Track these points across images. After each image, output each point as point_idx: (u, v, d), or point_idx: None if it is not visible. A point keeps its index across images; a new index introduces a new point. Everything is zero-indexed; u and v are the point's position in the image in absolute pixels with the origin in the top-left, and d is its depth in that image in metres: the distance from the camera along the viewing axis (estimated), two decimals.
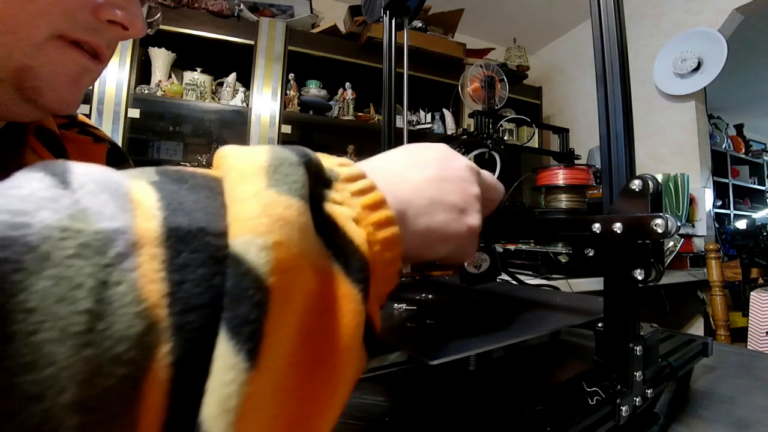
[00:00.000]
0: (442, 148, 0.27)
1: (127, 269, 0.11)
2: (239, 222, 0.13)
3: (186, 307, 0.12)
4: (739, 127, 3.29)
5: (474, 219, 0.25)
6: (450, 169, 0.25)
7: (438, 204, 0.23)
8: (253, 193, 0.14)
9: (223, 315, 0.12)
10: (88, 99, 1.54)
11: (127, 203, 0.13)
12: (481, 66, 1.49)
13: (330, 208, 0.17)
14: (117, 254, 0.11)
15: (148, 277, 0.12)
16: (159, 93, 1.72)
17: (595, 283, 1.20)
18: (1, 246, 0.10)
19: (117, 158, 0.42)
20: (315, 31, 1.97)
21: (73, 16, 0.26)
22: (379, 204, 0.18)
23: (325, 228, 0.16)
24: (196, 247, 0.13)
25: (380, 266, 0.18)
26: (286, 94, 1.85)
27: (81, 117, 0.42)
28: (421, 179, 0.23)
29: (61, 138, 0.36)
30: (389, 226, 0.18)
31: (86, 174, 0.13)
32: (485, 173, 0.28)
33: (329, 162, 0.19)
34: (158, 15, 0.37)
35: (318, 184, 0.17)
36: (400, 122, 0.65)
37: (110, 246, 0.11)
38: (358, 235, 0.17)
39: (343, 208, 0.17)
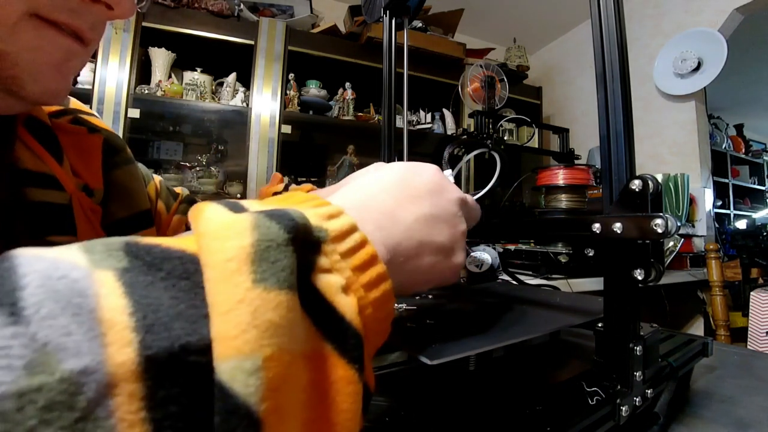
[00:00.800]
0: (434, 174, 0.26)
1: (102, 417, 0.10)
2: (224, 341, 0.12)
3: None
4: (739, 127, 3.29)
5: (459, 257, 0.25)
6: (441, 205, 0.24)
7: (427, 246, 0.23)
8: (238, 299, 0.12)
9: None
10: (88, 99, 1.54)
11: (94, 325, 0.11)
12: (481, 66, 1.49)
13: (318, 280, 0.15)
14: (88, 402, 0.10)
15: (127, 421, 0.10)
16: (159, 93, 1.72)
17: (595, 283, 1.20)
18: None
19: (113, 148, 0.41)
20: (315, 31, 1.97)
21: None
22: (371, 261, 0.17)
23: (314, 304, 0.15)
24: (179, 375, 0.11)
25: (372, 327, 0.17)
26: (286, 94, 1.85)
27: (74, 103, 0.40)
28: (413, 219, 0.22)
29: (54, 128, 0.34)
30: (381, 284, 0.17)
31: (41, 286, 0.11)
32: (468, 198, 0.28)
33: (317, 216, 0.17)
34: None
35: (305, 251, 0.16)
36: (400, 122, 0.65)
37: (79, 394, 0.10)
38: (349, 308, 0.16)
39: (332, 276, 0.16)
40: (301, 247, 0.15)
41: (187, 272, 0.13)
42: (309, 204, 0.18)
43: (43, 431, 0.09)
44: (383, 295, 0.17)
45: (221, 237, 0.14)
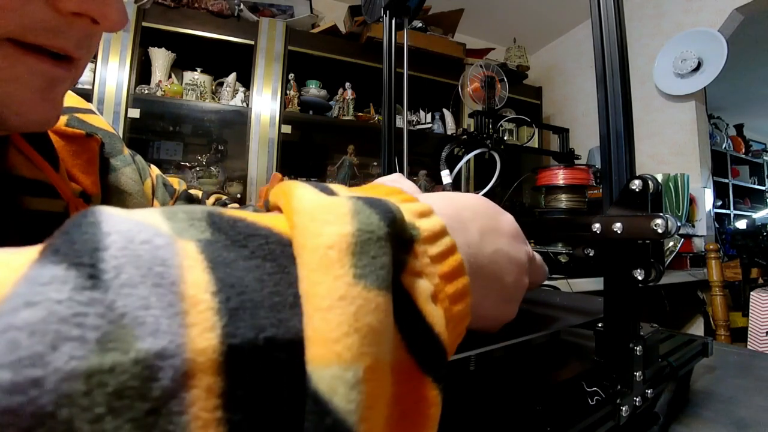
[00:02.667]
0: (514, 221, 0.25)
1: (176, 412, 0.09)
2: (323, 343, 0.10)
3: None
4: (739, 127, 3.29)
5: (513, 311, 0.24)
6: (518, 249, 0.23)
7: (496, 283, 0.22)
8: (339, 295, 0.11)
9: None
10: (88, 99, 1.54)
11: (176, 300, 0.10)
12: (481, 66, 1.49)
13: (409, 281, 0.14)
14: (162, 392, 0.09)
15: (202, 420, 0.09)
16: (159, 93, 1.72)
17: (595, 283, 1.20)
18: (3, 424, 0.07)
19: (111, 151, 0.40)
20: (315, 31, 1.97)
21: (22, 11, 0.20)
22: (459, 271, 0.16)
23: (402, 308, 0.13)
24: (264, 372, 0.10)
25: (451, 343, 0.15)
26: (286, 94, 1.86)
27: (70, 98, 0.38)
28: (493, 250, 0.21)
29: (49, 133, 0.33)
30: (465, 297, 0.16)
31: (123, 248, 0.10)
32: (537, 257, 0.27)
33: (409, 211, 0.15)
34: None
35: (398, 249, 0.14)
36: (400, 122, 0.65)
37: (154, 381, 0.09)
38: (438, 319, 0.14)
39: (422, 281, 0.14)
40: (395, 244, 0.14)
41: (273, 253, 0.12)
42: (398, 197, 0.17)
43: (110, 424, 0.08)
44: (464, 310, 0.16)
45: (320, 219, 0.12)
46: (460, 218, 0.21)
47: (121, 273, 0.09)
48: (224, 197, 0.57)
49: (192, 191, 0.53)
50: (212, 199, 0.56)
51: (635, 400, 0.28)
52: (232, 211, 0.13)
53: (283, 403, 0.10)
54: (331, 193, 0.14)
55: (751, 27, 2.12)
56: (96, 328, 0.09)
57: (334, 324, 0.11)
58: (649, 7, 2.28)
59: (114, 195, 0.38)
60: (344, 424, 0.10)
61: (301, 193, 0.14)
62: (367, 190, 0.18)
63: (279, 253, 0.12)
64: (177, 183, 0.52)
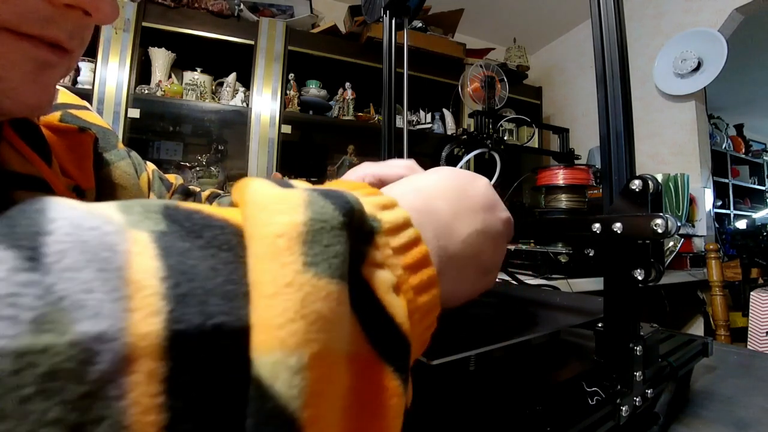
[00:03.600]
0: (488, 188, 0.25)
1: (113, 397, 0.08)
2: (266, 330, 0.10)
3: None
4: (739, 127, 3.29)
5: (493, 280, 0.24)
6: (492, 223, 0.23)
7: (473, 263, 0.22)
8: (285, 282, 0.11)
9: None
10: (88, 99, 1.54)
11: (120, 285, 0.09)
12: (481, 66, 1.49)
13: (369, 272, 0.14)
14: (99, 375, 0.08)
15: (141, 405, 0.09)
16: (159, 93, 1.72)
17: (595, 283, 1.20)
18: None
19: (105, 145, 0.39)
20: (315, 31, 1.97)
21: (17, 2, 0.21)
22: (423, 262, 0.16)
23: (361, 299, 0.13)
24: (210, 359, 0.10)
25: (417, 335, 0.15)
26: (286, 94, 1.86)
27: (64, 95, 0.38)
28: (466, 234, 0.21)
29: (42, 128, 0.32)
30: (431, 288, 0.16)
31: (69, 234, 0.10)
32: (511, 218, 0.27)
33: (370, 204, 0.15)
34: None
35: (357, 240, 0.14)
36: (400, 122, 0.65)
37: (91, 364, 0.08)
38: (399, 310, 0.14)
39: (383, 272, 0.14)
40: (354, 235, 0.13)
41: (228, 243, 0.12)
42: (361, 191, 0.17)
43: (40, 405, 0.08)
44: (431, 301, 0.16)
45: (271, 210, 0.12)
46: (430, 209, 0.21)
47: (65, 257, 0.09)
48: (221, 192, 0.57)
49: (190, 187, 0.53)
50: (207, 192, 0.55)
51: (635, 400, 0.28)
52: (189, 204, 0.13)
53: (227, 390, 0.10)
54: (288, 186, 0.14)
55: (751, 27, 2.12)
56: (31, 308, 0.08)
57: (279, 310, 0.10)
58: (649, 7, 2.28)
59: (108, 189, 0.38)
60: (285, 409, 0.10)
61: (255, 186, 0.14)
62: (331, 184, 0.18)
63: (235, 244, 0.12)
64: (174, 178, 0.52)
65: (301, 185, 0.15)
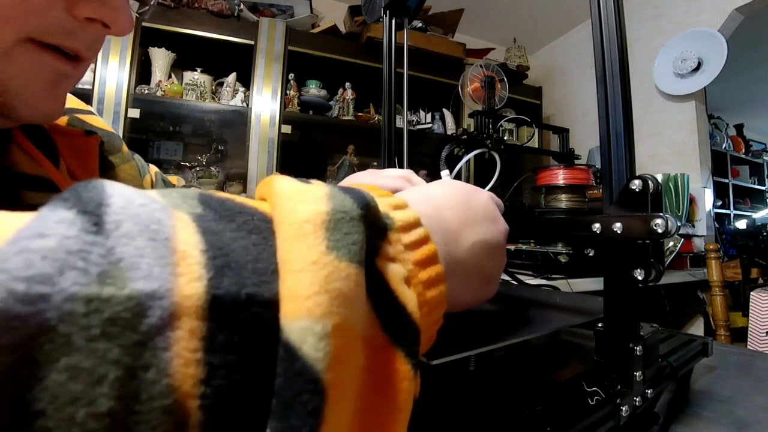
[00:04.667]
0: (490, 200, 0.26)
1: (160, 348, 0.10)
2: (295, 300, 0.11)
3: (223, 402, 0.10)
4: (739, 127, 3.29)
5: (494, 290, 0.25)
6: (494, 234, 0.24)
7: (475, 272, 0.22)
8: (311, 260, 0.12)
9: (269, 423, 0.10)
10: (88, 99, 1.54)
11: (168, 253, 0.11)
12: (481, 66, 1.49)
13: (382, 264, 0.15)
14: (150, 327, 0.10)
15: (183, 359, 0.10)
16: (159, 93, 1.72)
17: (595, 283, 1.20)
18: (11, 328, 0.08)
19: (110, 149, 0.40)
20: (315, 31, 1.97)
21: (43, 15, 0.22)
22: (432, 259, 0.17)
23: (375, 288, 0.14)
24: (243, 323, 0.11)
25: (426, 328, 0.16)
26: (286, 94, 1.85)
27: (71, 100, 0.39)
28: (470, 243, 0.22)
29: (50, 131, 0.33)
30: (439, 284, 0.17)
31: (124, 207, 0.11)
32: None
33: (384, 204, 0.17)
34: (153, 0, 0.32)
35: (372, 234, 0.15)
36: (400, 122, 0.65)
37: (143, 316, 0.10)
38: (410, 300, 0.15)
39: (395, 265, 0.15)
40: (369, 228, 0.15)
41: (258, 228, 0.13)
42: (376, 192, 0.18)
43: (103, 345, 0.09)
44: (439, 296, 0.17)
45: (297, 200, 0.14)
46: (439, 216, 0.21)
47: (121, 226, 0.11)
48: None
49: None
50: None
51: (635, 400, 0.28)
52: (221, 193, 0.14)
53: (258, 351, 0.11)
54: (308, 183, 0.16)
55: (751, 27, 2.11)
56: (97, 264, 0.10)
57: (306, 283, 0.12)
58: (649, 7, 2.28)
59: None
60: (312, 369, 0.11)
61: (281, 182, 0.15)
62: (345, 185, 0.19)
63: (263, 228, 0.13)
64: (176, 180, 0.53)
65: (319, 183, 0.16)
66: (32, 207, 0.11)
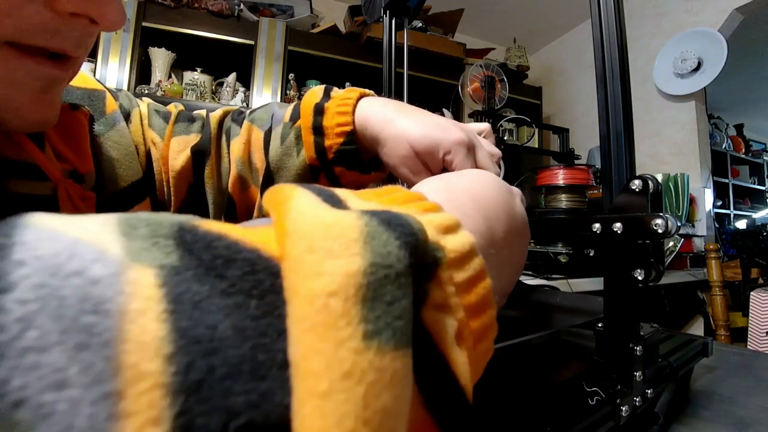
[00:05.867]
0: (522, 204, 0.23)
1: None
2: None
3: None
4: (739, 127, 3.29)
5: (515, 283, 0.23)
6: (527, 242, 0.22)
7: (510, 280, 0.21)
8: (343, 372, 0.08)
9: None
10: None
11: (107, 375, 0.07)
12: (481, 66, 1.49)
13: (430, 317, 0.11)
14: None
15: None
16: (159, 93, 1.72)
17: (595, 283, 1.20)
18: None
19: (94, 114, 0.35)
20: (315, 31, 1.97)
21: (20, 14, 0.19)
22: (487, 302, 0.13)
23: (423, 354, 0.11)
24: None
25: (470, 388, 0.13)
26: (286, 94, 1.85)
27: None
28: (513, 264, 0.20)
29: None
30: (490, 334, 0.13)
31: (39, 285, 0.07)
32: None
33: (433, 227, 0.12)
34: None
35: (419, 276, 0.11)
36: None
37: None
38: (463, 368, 0.11)
39: (446, 318, 0.12)
40: (417, 274, 0.11)
41: (260, 286, 0.09)
42: (417, 206, 0.13)
43: None
44: (488, 347, 0.13)
45: (320, 250, 0.09)
46: (491, 237, 0.18)
47: (29, 328, 0.07)
48: (234, 107, 0.46)
49: (195, 112, 0.44)
50: (219, 113, 0.44)
51: (635, 400, 0.28)
52: (211, 225, 0.10)
53: None
54: (337, 202, 0.12)
55: (751, 27, 2.12)
56: None
57: (335, 419, 0.08)
58: (649, 7, 2.28)
59: (99, 164, 0.35)
60: None
61: (298, 204, 0.11)
62: (382, 194, 0.15)
63: (268, 287, 0.09)
64: (173, 107, 0.45)
65: (353, 201, 0.12)
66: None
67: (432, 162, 0.33)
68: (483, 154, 0.33)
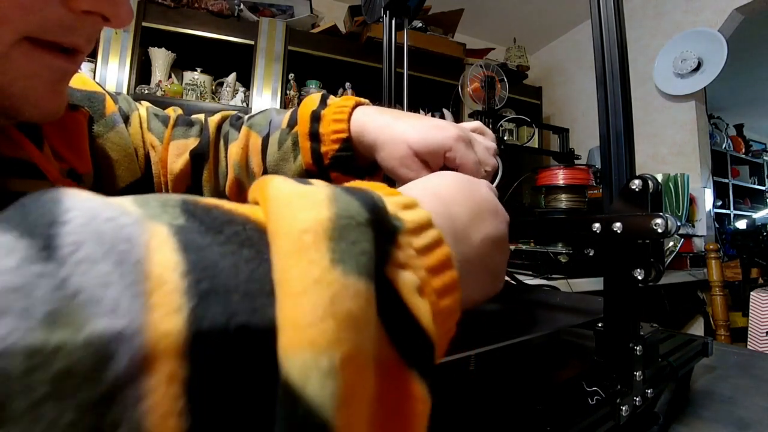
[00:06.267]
0: (490, 191, 0.25)
1: (131, 400, 0.08)
2: (295, 328, 0.10)
3: None
4: (739, 127, 3.29)
5: (500, 285, 0.24)
6: (499, 228, 0.23)
7: (483, 269, 0.22)
8: (313, 279, 0.10)
9: None
10: None
11: (139, 279, 0.09)
12: (481, 66, 1.49)
13: (392, 273, 0.13)
14: (116, 378, 0.08)
15: (161, 410, 0.08)
16: (159, 93, 1.72)
17: (595, 283, 1.20)
18: None
19: (93, 116, 0.36)
20: (315, 31, 1.97)
21: (40, 12, 0.21)
22: (446, 264, 0.15)
23: (386, 300, 0.12)
24: (234, 362, 0.09)
25: (439, 339, 0.14)
26: (286, 94, 1.85)
27: None
28: (480, 239, 0.21)
29: None
30: (453, 292, 0.15)
31: (84, 224, 0.09)
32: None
33: (393, 204, 0.15)
34: None
35: (380, 239, 0.13)
36: None
37: (107, 365, 0.08)
38: (424, 312, 0.13)
39: (407, 273, 0.13)
40: (378, 233, 0.13)
41: (250, 240, 0.11)
42: (383, 191, 0.16)
43: (53, 408, 0.07)
44: (453, 305, 0.15)
45: (295, 205, 0.12)
46: (449, 214, 0.20)
47: (80, 249, 0.09)
48: (232, 112, 0.48)
49: (194, 116, 0.46)
50: (217, 117, 0.47)
51: (635, 400, 0.28)
52: (208, 199, 0.13)
53: (253, 394, 0.09)
54: (308, 183, 0.14)
55: (751, 27, 2.11)
56: (45, 302, 0.08)
57: (308, 308, 0.10)
58: (649, 7, 2.28)
59: (99, 165, 0.36)
60: (318, 413, 0.09)
61: (276, 183, 0.13)
62: (350, 185, 0.17)
63: (256, 240, 0.11)
64: (172, 110, 0.46)
65: (320, 183, 0.14)
66: (14, 195, 0.10)
67: (434, 161, 0.34)
68: (480, 148, 0.35)
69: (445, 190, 0.22)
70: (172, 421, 0.08)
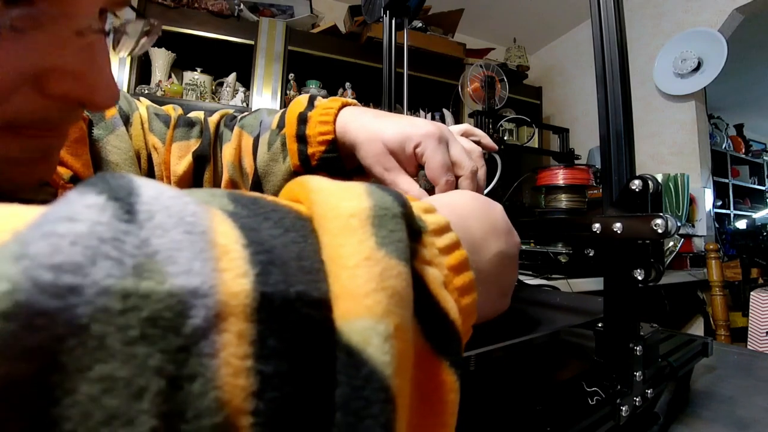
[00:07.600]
0: (503, 212, 0.25)
1: (206, 354, 0.08)
2: (352, 298, 0.10)
3: (278, 419, 0.09)
4: (739, 127, 3.29)
5: (508, 303, 0.24)
6: (511, 246, 0.23)
7: (494, 283, 0.22)
8: (364, 256, 0.11)
9: None
10: None
11: (207, 246, 0.10)
12: (481, 66, 1.49)
13: (421, 267, 0.14)
14: (194, 330, 0.08)
15: (232, 367, 0.08)
16: (159, 93, 1.72)
17: (595, 283, 1.20)
18: (36, 327, 0.07)
19: (93, 120, 0.36)
20: (315, 31, 1.97)
21: (11, 101, 0.19)
22: (465, 264, 0.16)
23: (417, 292, 0.13)
24: (295, 325, 0.10)
25: (463, 335, 0.15)
26: (286, 94, 1.85)
27: None
28: (492, 254, 0.22)
29: None
30: (472, 292, 0.16)
31: (155, 198, 0.10)
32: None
33: (416, 207, 0.16)
34: (154, 27, 0.28)
35: (410, 234, 0.14)
36: None
37: (186, 317, 0.08)
38: (452, 306, 0.14)
39: (433, 269, 0.14)
40: (408, 227, 0.14)
41: (294, 226, 0.12)
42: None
43: (142, 349, 0.08)
44: (472, 305, 0.16)
45: (339, 195, 0.13)
46: (464, 225, 0.21)
47: (154, 217, 0.09)
48: (230, 111, 0.48)
49: (191, 114, 0.46)
50: (216, 117, 0.47)
51: (635, 400, 0.28)
52: (250, 192, 0.14)
53: (313, 358, 0.10)
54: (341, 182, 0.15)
55: (751, 27, 2.12)
56: (132, 255, 0.08)
57: (363, 280, 0.11)
58: (649, 7, 2.28)
59: (99, 170, 0.36)
60: (380, 374, 0.10)
61: (318, 179, 0.14)
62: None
63: (300, 226, 0.12)
64: (171, 110, 0.46)
65: (355, 183, 0.15)
66: (18, 201, 0.10)
67: (403, 156, 0.34)
68: (457, 149, 0.35)
69: (461, 206, 0.23)
70: (242, 380, 0.09)
